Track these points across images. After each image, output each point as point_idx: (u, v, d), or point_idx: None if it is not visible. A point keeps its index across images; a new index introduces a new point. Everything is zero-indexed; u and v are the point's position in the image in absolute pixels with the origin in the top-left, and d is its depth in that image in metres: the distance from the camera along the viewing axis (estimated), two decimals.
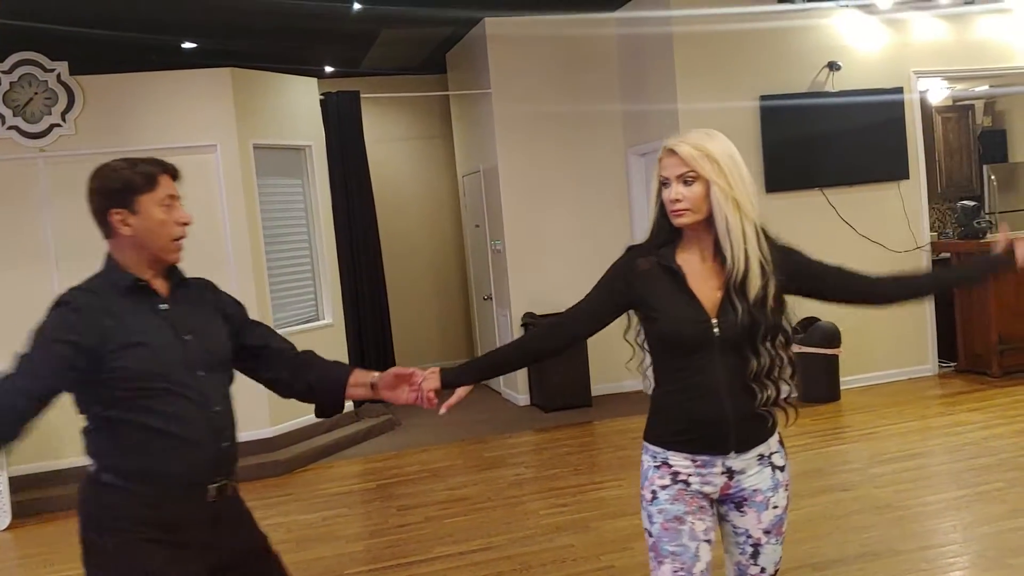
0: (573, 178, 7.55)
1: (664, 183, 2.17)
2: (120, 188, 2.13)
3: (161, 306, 2.19)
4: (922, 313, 7.31)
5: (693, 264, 2.19)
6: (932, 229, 8.14)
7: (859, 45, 7.07)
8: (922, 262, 7.28)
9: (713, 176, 2.12)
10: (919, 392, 6.83)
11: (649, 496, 2.20)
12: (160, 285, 2.22)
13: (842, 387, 6.85)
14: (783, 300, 2.23)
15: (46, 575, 4.57)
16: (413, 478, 5.70)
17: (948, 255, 7.38)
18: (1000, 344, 7.01)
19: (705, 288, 2.17)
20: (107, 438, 2.12)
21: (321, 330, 6.78)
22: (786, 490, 2.25)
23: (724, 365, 2.14)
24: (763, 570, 2.25)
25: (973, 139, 9.43)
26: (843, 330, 6.77)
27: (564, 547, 4.27)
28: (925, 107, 8.21)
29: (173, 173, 2.24)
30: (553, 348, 2.36)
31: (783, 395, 2.22)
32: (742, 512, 2.21)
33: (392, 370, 2.42)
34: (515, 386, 7.63)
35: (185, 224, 2.22)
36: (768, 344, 2.16)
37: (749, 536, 2.22)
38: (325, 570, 4.25)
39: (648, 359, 2.27)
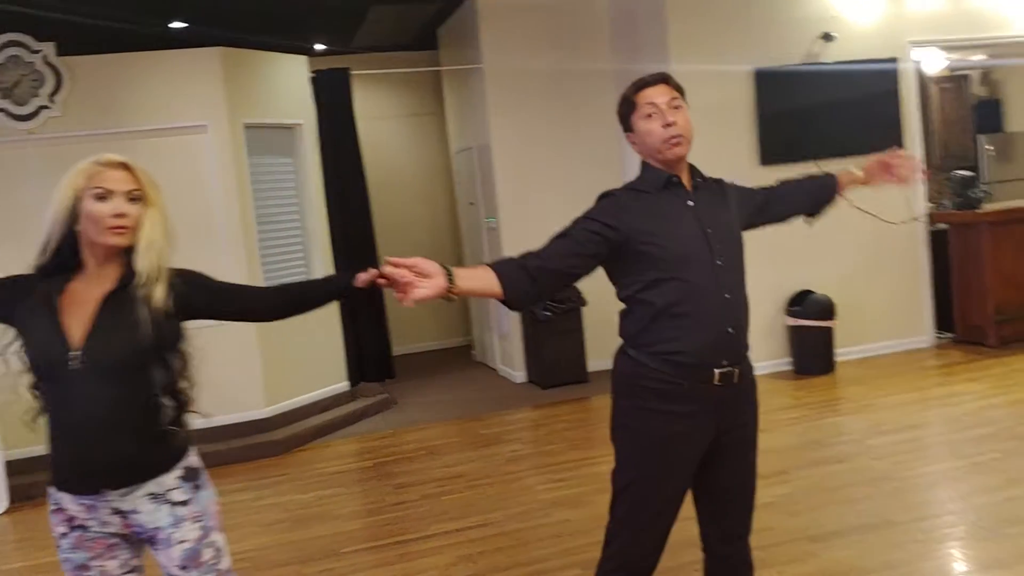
0: (568, 154, 7.48)
1: (102, 196, 2.05)
2: (620, 112, 2.49)
3: (689, 202, 2.41)
4: (918, 284, 7.29)
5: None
6: (929, 200, 8.11)
7: (853, 15, 7.01)
8: (918, 234, 7.25)
9: (157, 201, 2.12)
10: (915, 363, 6.83)
11: (56, 544, 2.14)
12: (687, 182, 2.45)
13: (837, 359, 6.84)
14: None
15: (42, 558, 4.57)
16: (410, 456, 5.69)
17: (945, 225, 7.36)
18: (997, 315, 7.00)
19: (80, 314, 2.07)
20: (630, 318, 2.41)
21: (314, 312, 6.73)
22: (197, 521, 2.14)
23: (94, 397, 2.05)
24: None
25: (969, 109, 9.38)
26: (837, 302, 6.76)
27: (561, 522, 4.27)
28: (921, 77, 8.15)
29: (655, 82, 2.43)
30: None
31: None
32: (156, 549, 2.16)
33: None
34: (512, 363, 7.61)
35: (670, 125, 2.38)
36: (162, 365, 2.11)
37: (169, 573, 2.16)
38: (322, 549, 4.25)
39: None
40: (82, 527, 2.09)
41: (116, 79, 6.03)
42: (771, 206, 2.67)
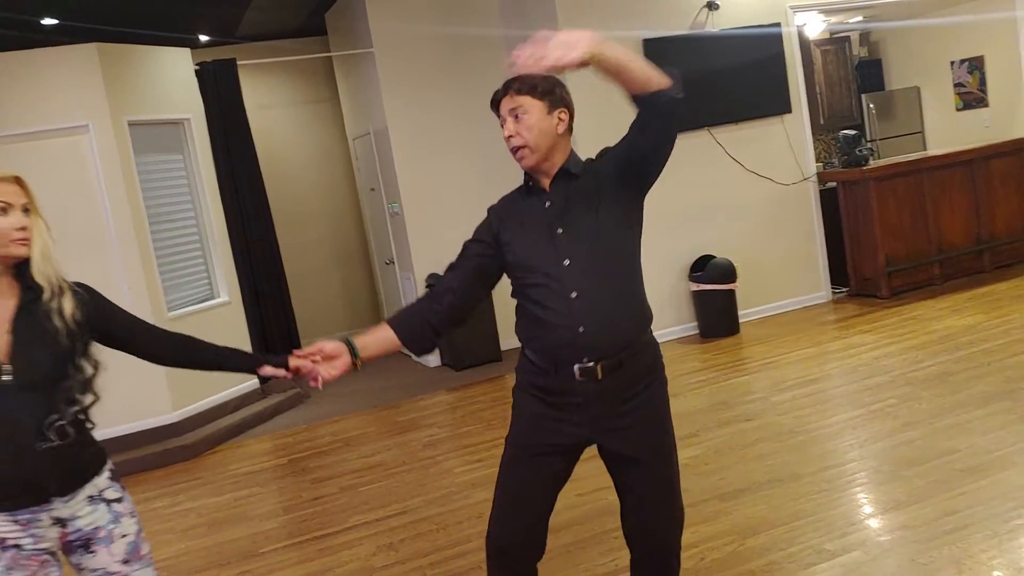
0: (465, 131, 7.45)
1: (3, 210, 2.11)
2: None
3: (547, 203, 2.40)
4: (813, 242, 7.54)
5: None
6: (817, 160, 8.39)
7: None
8: (810, 193, 7.48)
9: (39, 211, 2.18)
10: (814, 319, 7.07)
11: None
12: (547, 182, 2.43)
13: (740, 320, 7.04)
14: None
15: None
16: (325, 450, 5.63)
17: (834, 184, 7.61)
18: (887, 266, 7.29)
19: None
20: (517, 317, 2.50)
21: (218, 309, 6.59)
22: (132, 516, 2.27)
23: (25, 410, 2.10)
24: None
25: (851, 70, 9.71)
26: (738, 265, 6.94)
27: (480, 502, 4.28)
28: (803, 41, 8.39)
29: (503, 94, 2.41)
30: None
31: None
32: (92, 552, 2.20)
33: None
34: None
35: (509, 138, 2.39)
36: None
37: (109, 572, 2.22)
38: (240, 551, 4.17)
39: None
40: (16, 546, 2.09)
41: None
42: (637, 144, 2.36)
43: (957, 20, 8.90)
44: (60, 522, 2.14)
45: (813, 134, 7.76)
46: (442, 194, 7.42)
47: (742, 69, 7.07)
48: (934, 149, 8.98)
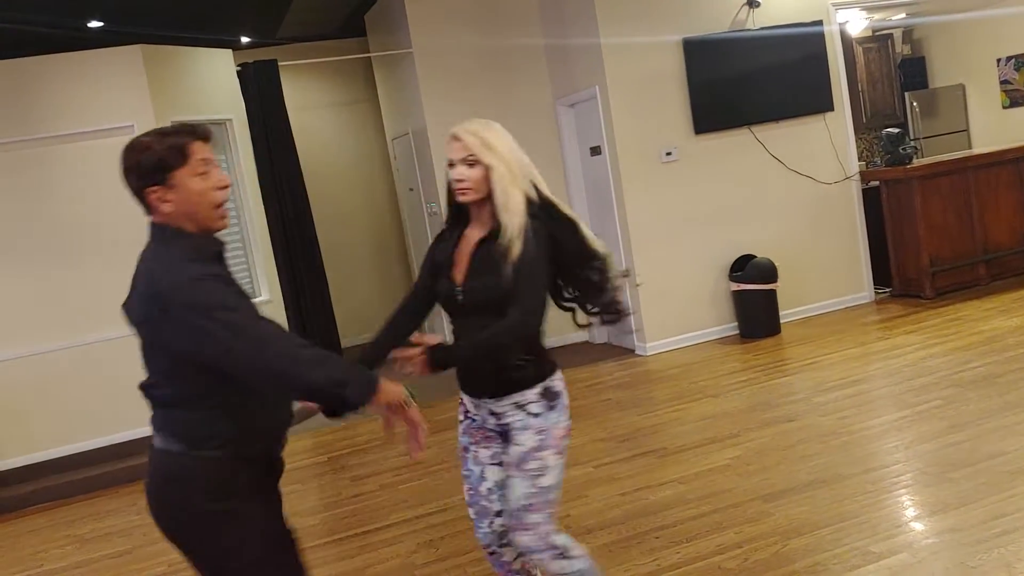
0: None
1: (451, 165, 2.52)
2: (154, 166, 2.04)
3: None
4: (855, 242, 7.43)
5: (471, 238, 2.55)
6: (860, 159, 8.28)
7: None
8: (852, 192, 7.39)
9: (492, 161, 2.48)
10: (857, 319, 6.97)
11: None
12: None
13: (782, 320, 6.96)
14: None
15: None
16: (365, 448, 5.66)
17: (877, 183, 7.50)
18: (931, 266, 7.17)
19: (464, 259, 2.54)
20: None
21: (259, 307, 6.65)
22: (537, 434, 2.52)
23: (475, 325, 2.45)
24: (509, 502, 2.56)
25: (894, 68, 9.57)
26: (779, 265, 6.87)
27: None
28: (845, 39, 8.29)
29: (204, 137, 2.11)
30: (415, 326, 2.69)
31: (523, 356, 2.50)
32: (509, 443, 2.57)
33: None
34: None
35: (225, 188, 2.15)
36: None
37: (508, 464, 2.57)
38: None
39: None
40: (471, 418, 2.67)
41: (35, 83, 5.84)
42: None
43: (1003, 12, 8.74)
44: (494, 414, 2.57)
45: (855, 132, 7.66)
46: None
47: (784, 67, 7.00)
48: (980, 147, 8.83)
